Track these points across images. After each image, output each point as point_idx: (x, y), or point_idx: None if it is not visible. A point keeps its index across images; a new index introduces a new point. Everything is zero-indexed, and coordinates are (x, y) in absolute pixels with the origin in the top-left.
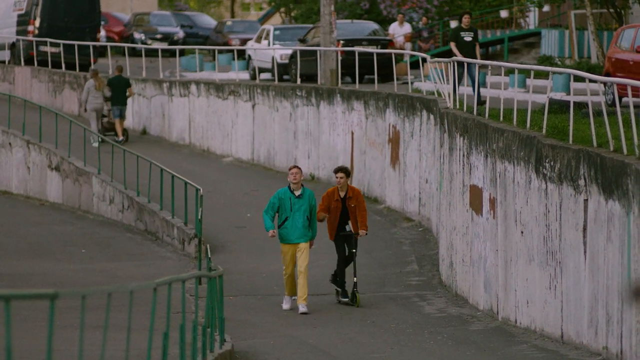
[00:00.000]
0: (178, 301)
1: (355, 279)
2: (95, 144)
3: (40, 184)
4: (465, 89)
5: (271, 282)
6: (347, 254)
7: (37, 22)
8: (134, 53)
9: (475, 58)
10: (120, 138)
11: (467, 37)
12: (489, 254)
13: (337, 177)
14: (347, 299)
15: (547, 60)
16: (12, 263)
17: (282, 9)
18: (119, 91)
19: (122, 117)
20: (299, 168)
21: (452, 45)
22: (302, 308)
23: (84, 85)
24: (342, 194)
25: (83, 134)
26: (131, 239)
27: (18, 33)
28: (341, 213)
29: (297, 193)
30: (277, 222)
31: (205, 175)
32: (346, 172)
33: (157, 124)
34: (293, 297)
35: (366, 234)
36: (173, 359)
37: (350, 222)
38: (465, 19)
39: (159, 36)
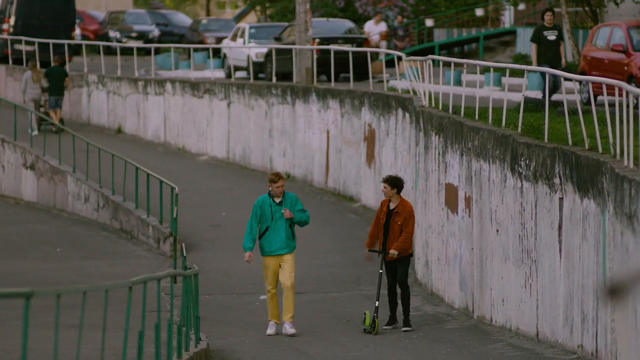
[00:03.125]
0: (153, 300)
1: (377, 302)
2: (35, 132)
3: (15, 183)
4: (441, 88)
5: (246, 281)
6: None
7: (12, 21)
8: (109, 51)
9: (560, 58)
10: (55, 129)
11: (551, 36)
12: (464, 252)
13: (382, 187)
14: (366, 327)
15: (522, 58)
16: None
17: (258, 8)
18: (56, 81)
19: (58, 107)
20: (283, 179)
21: (534, 48)
22: (289, 328)
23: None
24: (391, 206)
25: (58, 132)
26: (106, 237)
27: None
28: (384, 225)
29: (277, 200)
30: (259, 232)
31: (180, 173)
32: (390, 181)
33: (132, 123)
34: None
35: (397, 255)
36: (148, 357)
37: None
38: (548, 17)
39: (134, 34)
